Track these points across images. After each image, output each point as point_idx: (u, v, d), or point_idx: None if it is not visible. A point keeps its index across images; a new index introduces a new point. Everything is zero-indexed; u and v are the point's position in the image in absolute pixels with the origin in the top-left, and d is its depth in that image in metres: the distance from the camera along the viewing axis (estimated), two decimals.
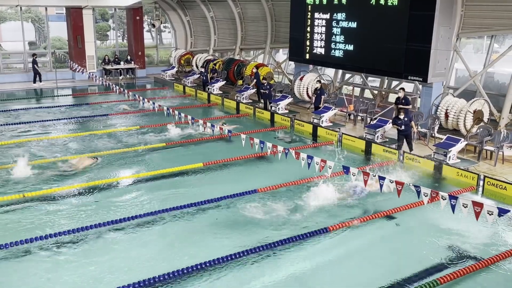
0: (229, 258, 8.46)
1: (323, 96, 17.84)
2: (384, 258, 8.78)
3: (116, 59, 27.79)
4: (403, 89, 15.95)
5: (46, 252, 8.75)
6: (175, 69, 27.74)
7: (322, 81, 19.90)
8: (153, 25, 29.38)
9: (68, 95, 23.63)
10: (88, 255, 8.67)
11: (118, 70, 27.38)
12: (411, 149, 14.09)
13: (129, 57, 28.18)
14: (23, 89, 24.46)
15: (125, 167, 13.12)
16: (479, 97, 15.59)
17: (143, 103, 17.08)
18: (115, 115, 19.23)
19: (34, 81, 25.15)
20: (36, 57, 25.28)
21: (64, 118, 18.52)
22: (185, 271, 8.04)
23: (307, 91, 19.89)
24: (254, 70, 21.97)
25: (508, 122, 15.29)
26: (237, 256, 8.55)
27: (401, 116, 13.96)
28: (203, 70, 24.52)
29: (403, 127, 13.94)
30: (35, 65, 24.81)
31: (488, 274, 8.29)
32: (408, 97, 16.08)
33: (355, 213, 10.43)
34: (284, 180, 11.93)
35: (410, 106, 15.76)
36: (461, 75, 18.42)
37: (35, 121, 17.67)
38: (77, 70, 23.58)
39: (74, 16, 26.38)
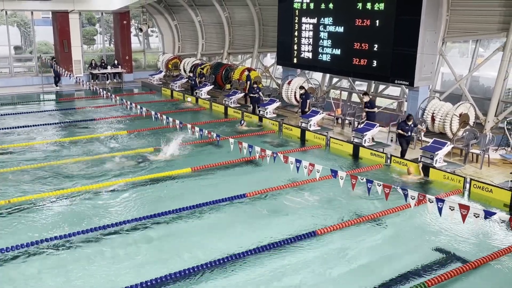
0: (217, 263, 8.44)
1: (308, 100, 17.94)
2: (371, 261, 8.81)
3: (103, 64, 27.63)
4: (367, 93, 16.22)
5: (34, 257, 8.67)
6: (163, 73, 27.65)
7: (310, 85, 20.00)
8: (140, 30, 29.25)
9: (53, 100, 23.47)
10: (79, 261, 8.60)
11: (105, 75, 27.21)
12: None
13: (116, 62, 28.01)
14: (8, 94, 24.18)
15: (112, 172, 13.02)
16: (464, 101, 15.76)
17: (130, 107, 16.97)
18: (103, 119, 19.15)
19: (56, 84, 25.60)
20: (54, 61, 25.17)
21: (50, 123, 18.36)
22: (173, 276, 8.01)
23: (295, 95, 19.96)
24: (246, 73, 21.98)
25: (494, 125, 15.47)
26: (224, 261, 8.53)
27: (409, 122, 13.81)
28: (191, 74, 24.41)
29: (409, 133, 13.93)
30: (55, 68, 24.69)
31: (476, 276, 8.35)
32: (373, 100, 16.44)
33: (342, 216, 10.46)
34: (272, 184, 11.93)
35: (376, 110, 16.08)
36: (447, 79, 18.60)
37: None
38: (64, 74, 23.39)
39: (60, 20, 26.18)
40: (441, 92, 17.20)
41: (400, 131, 13.96)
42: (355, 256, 8.98)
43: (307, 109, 17.75)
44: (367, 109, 15.91)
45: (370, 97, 16.48)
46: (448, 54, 17.38)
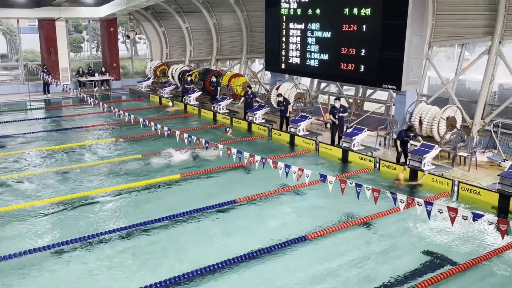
0: (207, 270, 8.39)
1: (289, 106, 18.01)
2: (360, 264, 8.81)
3: (90, 71, 27.47)
4: (338, 99, 16.26)
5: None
6: (151, 80, 27.56)
7: (298, 90, 20.04)
8: (128, 36, 29.18)
9: (41, 108, 23.31)
10: (68, 269, 8.50)
11: (93, 82, 27.05)
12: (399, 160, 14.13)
13: (103, 69, 27.88)
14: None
15: (100, 180, 12.92)
16: (451, 104, 15.90)
17: (118, 114, 16.85)
18: (91, 127, 19.02)
19: (44, 92, 25.41)
20: (46, 68, 25.04)
21: (36, 132, 18.20)
22: (163, 283, 7.95)
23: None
24: (214, 79, 22.19)
25: (480, 128, 15.61)
26: (214, 267, 8.48)
27: (412, 134, 13.72)
28: (189, 79, 24.16)
29: (409, 145, 13.93)
30: (45, 76, 24.50)
31: (466, 278, 8.39)
32: (345, 105, 16.72)
33: (332, 220, 10.47)
34: (262, 190, 11.92)
35: (347, 114, 16.10)
36: (433, 83, 18.75)
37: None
38: (51, 82, 23.23)
39: (46, 28, 26.02)
40: (428, 96, 17.33)
41: (398, 142, 13.71)
42: (345, 260, 8.96)
43: (288, 114, 17.88)
44: (341, 114, 15.85)
45: (340, 100, 16.43)
46: (434, 58, 17.53)
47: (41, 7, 25.18)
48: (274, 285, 8.15)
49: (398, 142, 13.78)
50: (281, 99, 18.07)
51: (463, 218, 7.84)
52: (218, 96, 21.98)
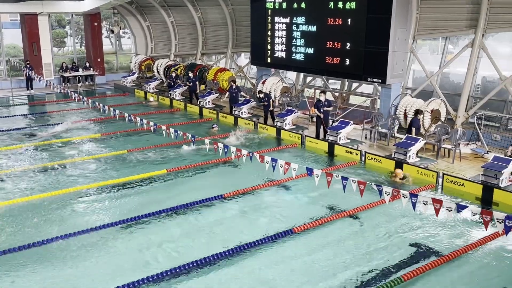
0: (194, 264, 8.40)
1: (271, 100, 18.03)
2: (347, 256, 8.87)
3: (74, 66, 27.16)
4: (324, 92, 16.32)
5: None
6: (136, 75, 27.34)
7: (284, 84, 20.06)
8: (112, 31, 28.88)
9: (24, 103, 23.01)
10: (58, 267, 8.44)
11: (77, 77, 26.75)
12: None
13: (87, 64, 27.58)
14: None
15: (87, 176, 12.82)
16: (436, 97, 16.04)
17: (103, 110, 16.72)
18: (76, 122, 18.84)
19: (28, 88, 24.99)
20: (28, 63, 24.69)
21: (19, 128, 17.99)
22: (150, 279, 7.94)
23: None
24: (191, 75, 22.05)
25: (464, 120, 15.79)
26: (204, 261, 8.49)
27: (421, 116, 14.46)
28: (173, 74, 23.92)
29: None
30: (28, 72, 24.08)
31: (450, 269, 8.50)
32: (330, 99, 16.69)
33: (319, 213, 10.53)
34: (249, 184, 11.93)
35: (332, 108, 16.18)
36: (418, 76, 18.90)
37: None
38: (34, 78, 22.93)
39: (29, 23, 25.62)
40: (413, 89, 17.47)
41: (414, 130, 14.23)
42: (332, 252, 9.04)
43: (271, 108, 17.92)
44: (325, 108, 15.74)
45: (325, 94, 16.42)
46: (418, 52, 17.67)
47: (23, 2, 24.76)
48: (260, 278, 8.19)
49: (414, 130, 14.10)
50: (262, 95, 18.10)
51: (447, 209, 7.95)
52: (198, 91, 21.85)
